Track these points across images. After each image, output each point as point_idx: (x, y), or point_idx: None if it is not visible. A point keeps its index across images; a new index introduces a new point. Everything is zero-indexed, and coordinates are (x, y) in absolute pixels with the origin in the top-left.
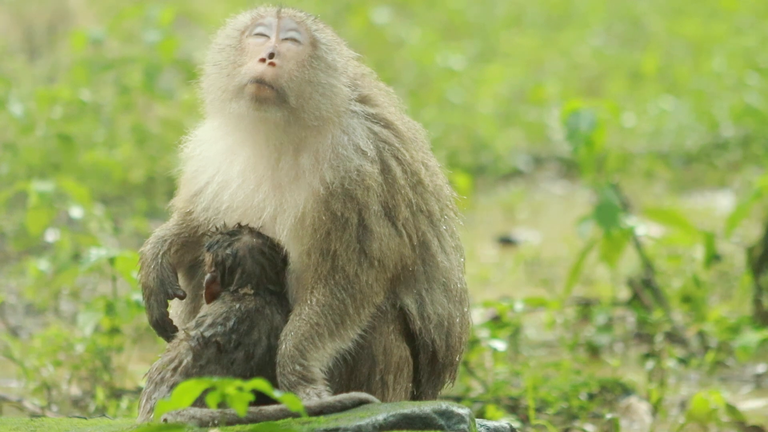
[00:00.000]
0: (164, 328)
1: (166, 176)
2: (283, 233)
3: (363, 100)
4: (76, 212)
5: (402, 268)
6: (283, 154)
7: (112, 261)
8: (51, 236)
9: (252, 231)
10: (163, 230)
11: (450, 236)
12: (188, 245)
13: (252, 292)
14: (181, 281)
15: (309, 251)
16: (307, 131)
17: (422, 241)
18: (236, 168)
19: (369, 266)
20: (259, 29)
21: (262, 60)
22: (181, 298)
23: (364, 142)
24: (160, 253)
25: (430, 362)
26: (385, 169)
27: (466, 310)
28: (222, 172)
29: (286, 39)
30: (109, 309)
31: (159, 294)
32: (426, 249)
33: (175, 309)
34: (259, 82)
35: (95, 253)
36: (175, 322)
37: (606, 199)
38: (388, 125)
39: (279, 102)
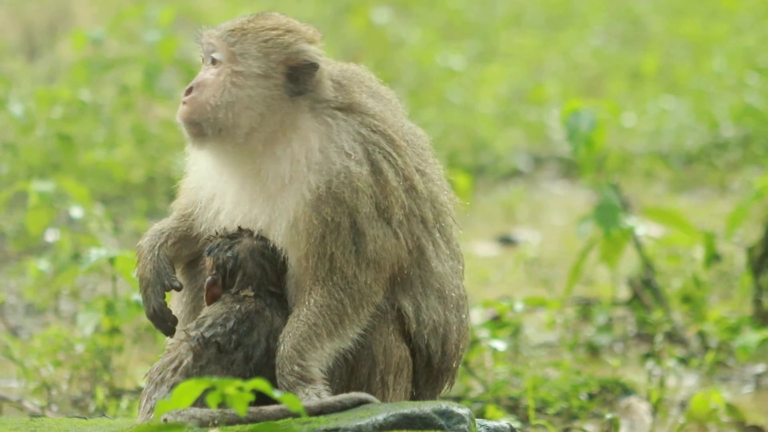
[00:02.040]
0: (162, 319)
1: (166, 176)
2: (278, 240)
3: (348, 106)
4: (76, 212)
5: (399, 269)
6: (262, 168)
7: (112, 261)
8: (51, 236)
9: (252, 234)
10: (161, 224)
11: (445, 244)
12: (186, 239)
13: (252, 294)
14: (181, 280)
15: (306, 255)
16: (262, 145)
17: (417, 245)
18: (231, 189)
19: (367, 266)
20: (200, 55)
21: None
22: (178, 289)
23: (349, 144)
24: (157, 245)
25: (426, 367)
26: (376, 171)
27: (464, 317)
28: (219, 196)
29: (212, 62)
30: (109, 309)
31: (156, 285)
32: (421, 253)
33: (175, 309)
34: (182, 122)
35: (95, 253)
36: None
37: (606, 199)
38: (376, 130)
39: (203, 135)
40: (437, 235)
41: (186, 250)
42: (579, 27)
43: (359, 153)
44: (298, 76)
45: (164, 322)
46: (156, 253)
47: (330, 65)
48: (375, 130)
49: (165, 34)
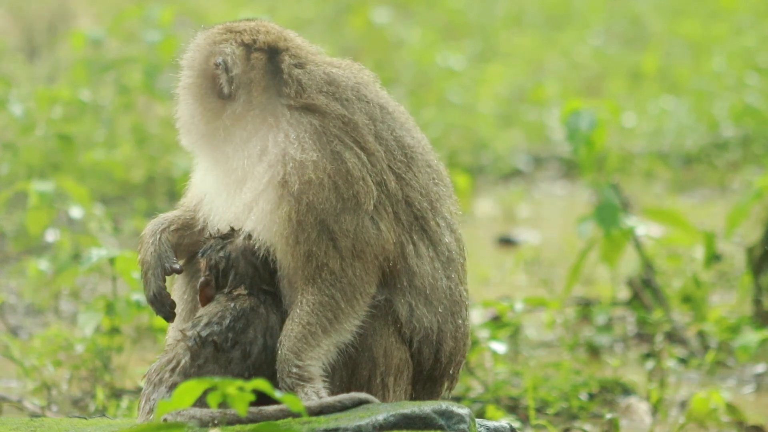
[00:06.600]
0: (162, 303)
1: (166, 176)
2: (258, 240)
3: (304, 106)
4: (76, 212)
5: (384, 260)
6: (222, 165)
7: (112, 261)
8: (51, 236)
9: (244, 234)
10: (165, 214)
11: (429, 246)
12: (188, 228)
13: (246, 292)
14: (181, 277)
15: (286, 256)
16: (210, 140)
17: (398, 241)
18: (211, 187)
19: (352, 259)
20: None
21: None
22: (179, 272)
23: (295, 134)
24: (159, 230)
25: (419, 373)
26: (336, 159)
27: (460, 322)
28: (207, 194)
29: None
30: (109, 309)
31: (156, 268)
32: (401, 250)
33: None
34: None
35: (95, 253)
36: (175, 323)
37: (606, 199)
38: (336, 127)
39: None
40: (416, 237)
41: (188, 239)
42: (579, 27)
43: (309, 143)
44: (220, 75)
45: (163, 306)
46: (158, 236)
47: (307, 66)
48: (335, 127)
49: (165, 34)
